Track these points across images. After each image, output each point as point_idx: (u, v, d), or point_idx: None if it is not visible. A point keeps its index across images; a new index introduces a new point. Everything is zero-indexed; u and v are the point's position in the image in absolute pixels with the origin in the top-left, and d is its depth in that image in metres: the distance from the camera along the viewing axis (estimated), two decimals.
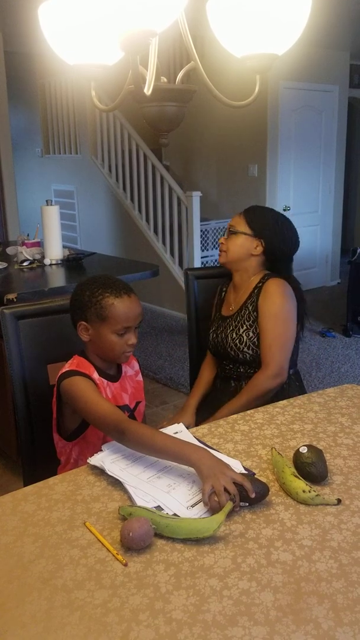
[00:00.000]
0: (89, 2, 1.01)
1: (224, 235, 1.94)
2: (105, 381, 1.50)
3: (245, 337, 1.85)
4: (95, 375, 1.48)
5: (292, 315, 1.83)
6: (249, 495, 1.13)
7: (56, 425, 1.52)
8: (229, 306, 1.96)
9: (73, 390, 1.40)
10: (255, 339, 1.83)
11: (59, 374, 1.45)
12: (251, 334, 1.84)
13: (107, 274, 1.56)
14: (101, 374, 1.50)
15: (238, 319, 1.88)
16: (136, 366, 1.64)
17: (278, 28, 1.11)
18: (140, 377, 1.64)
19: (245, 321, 1.86)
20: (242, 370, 1.90)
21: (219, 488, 1.12)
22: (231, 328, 1.89)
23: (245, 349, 1.85)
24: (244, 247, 1.87)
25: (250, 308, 1.86)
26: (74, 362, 1.48)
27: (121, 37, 0.97)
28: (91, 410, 1.36)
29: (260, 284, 1.86)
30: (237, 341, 1.86)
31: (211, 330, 1.98)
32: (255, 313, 1.84)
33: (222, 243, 1.92)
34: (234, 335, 1.87)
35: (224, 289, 2.03)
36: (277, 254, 1.89)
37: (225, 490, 1.15)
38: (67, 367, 1.47)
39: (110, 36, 1.04)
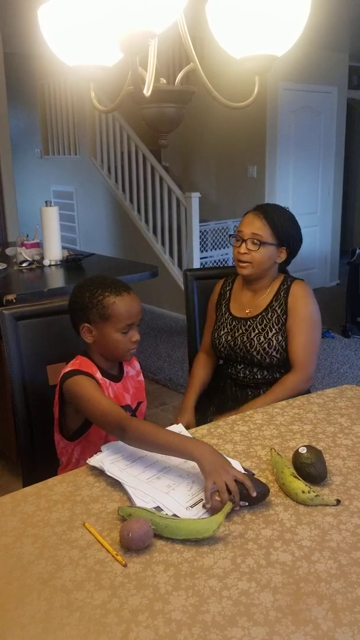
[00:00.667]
0: (88, 3, 1.01)
1: (234, 237, 1.84)
2: (107, 381, 1.50)
3: (274, 341, 1.80)
4: (98, 375, 1.48)
5: (320, 319, 1.85)
6: (250, 493, 1.13)
7: (58, 425, 1.52)
8: (244, 308, 1.89)
9: (76, 389, 1.40)
10: (283, 343, 1.80)
11: (62, 374, 1.45)
12: (280, 338, 1.80)
13: (103, 274, 1.55)
14: (104, 374, 1.50)
15: (264, 322, 1.83)
16: (137, 366, 1.64)
17: (277, 29, 1.11)
18: (141, 377, 1.64)
19: (274, 324, 1.81)
20: (259, 376, 1.86)
21: (220, 485, 1.13)
22: (257, 331, 1.83)
23: (274, 353, 1.81)
24: (271, 258, 1.81)
25: (279, 311, 1.82)
26: (77, 362, 1.48)
27: (120, 38, 0.98)
28: (93, 408, 1.36)
29: (284, 286, 1.84)
30: (266, 345, 1.80)
31: (222, 332, 1.89)
32: (285, 316, 1.81)
33: (245, 253, 1.79)
34: (262, 338, 1.81)
35: (228, 287, 1.96)
36: (291, 256, 1.89)
37: (226, 490, 1.15)
38: (69, 366, 1.47)
39: (109, 37, 1.04)
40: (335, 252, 6.42)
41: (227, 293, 1.95)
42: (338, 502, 1.18)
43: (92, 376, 1.44)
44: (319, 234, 6.20)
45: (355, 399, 1.70)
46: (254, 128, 5.46)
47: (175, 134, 1.44)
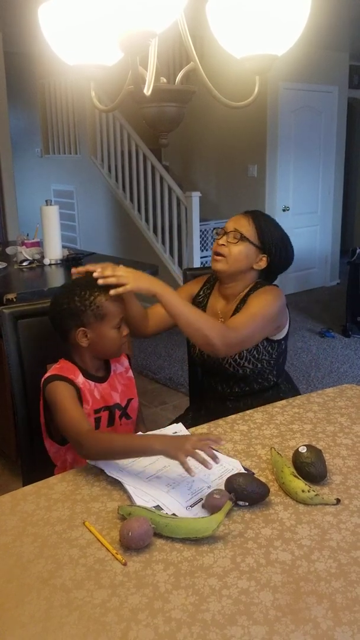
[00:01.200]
0: (88, 2, 1.01)
1: (218, 235, 1.73)
2: (92, 383, 1.49)
3: (244, 351, 1.70)
4: (80, 379, 1.46)
5: (276, 315, 1.67)
6: (217, 442, 1.16)
7: (46, 430, 1.50)
8: (217, 317, 1.77)
9: (51, 397, 1.40)
10: (254, 352, 1.72)
11: (44, 378, 1.45)
12: (250, 347, 1.70)
13: (75, 278, 1.53)
14: (87, 376, 1.49)
15: None
16: (125, 362, 1.62)
17: (278, 29, 1.11)
18: (130, 374, 1.62)
19: None
20: (237, 389, 1.77)
21: (190, 451, 1.14)
22: None
23: (246, 364, 1.72)
24: (249, 257, 1.69)
25: None
26: (58, 367, 1.47)
27: (121, 38, 0.98)
28: (62, 419, 1.36)
29: (251, 292, 1.72)
30: (237, 355, 1.71)
31: None
32: None
33: (222, 245, 1.69)
34: None
35: (208, 291, 1.84)
36: (274, 271, 1.77)
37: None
38: (50, 371, 1.46)
39: (110, 37, 1.04)
40: (335, 252, 6.42)
41: (205, 299, 1.84)
42: (338, 501, 1.18)
43: (72, 382, 1.43)
44: (319, 233, 6.19)
45: (355, 398, 1.70)
46: (255, 127, 5.46)
47: (176, 134, 1.42)
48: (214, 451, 1.18)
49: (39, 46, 5.16)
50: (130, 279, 1.43)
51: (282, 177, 5.67)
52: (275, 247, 1.71)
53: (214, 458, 1.16)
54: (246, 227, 1.70)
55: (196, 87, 1.26)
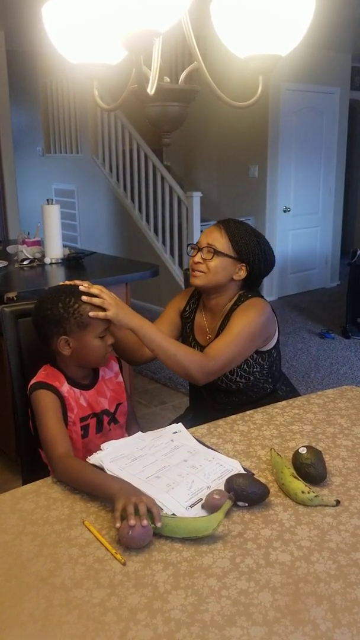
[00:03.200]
0: (92, 1, 1.01)
1: (194, 251, 1.70)
2: (77, 391, 1.46)
3: (235, 367, 1.68)
4: (65, 387, 1.44)
5: (260, 331, 1.65)
6: (156, 520, 1.06)
7: (35, 437, 1.47)
8: (205, 334, 1.76)
9: (35, 408, 1.40)
10: (244, 366, 1.69)
11: (30, 385, 1.44)
12: (236, 365, 1.68)
13: (57, 284, 1.50)
14: (73, 383, 1.46)
15: None
16: (115, 367, 1.59)
17: (282, 29, 1.11)
18: (120, 379, 1.59)
19: None
20: (235, 399, 1.76)
21: (131, 502, 1.07)
22: None
23: (238, 379, 1.70)
24: (226, 270, 1.65)
25: None
26: (44, 373, 1.45)
27: (125, 37, 0.98)
28: (42, 432, 1.36)
29: (235, 306, 1.68)
30: (228, 372, 1.69)
31: None
32: None
33: (198, 262, 1.65)
34: None
35: (194, 306, 1.81)
36: (256, 278, 1.73)
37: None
38: (36, 377, 1.44)
39: (113, 36, 1.04)
40: (336, 253, 6.42)
41: (192, 314, 1.81)
42: (337, 502, 1.18)
43: (56, 390, 1.41)
44: (319, 234, 6.19)
45: (355, 399, 1.70)
46: (256, 128, 5.46)
47: (177, 133, 1.41)
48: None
49: (42, 44, 5.15)
50: (112, 307, 1.43)
51: (283, 178, 5.67)
52: (252, 254, 1.67)
53: (155, 520, 1.06)
54: (219, 240, 1.66)
55: (199, 87, 1.26)
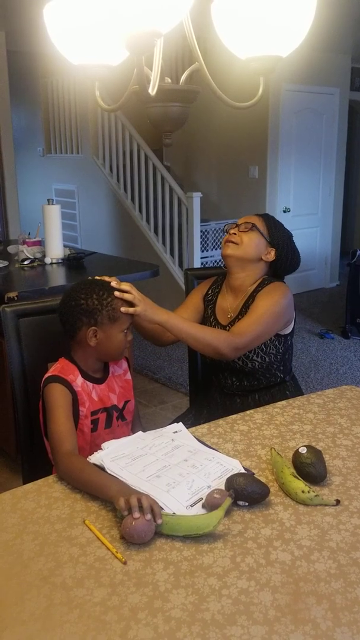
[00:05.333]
0: (94, 2, 1.02)
1: (230, 227, 1.81)
2: (90, 384, 1.50)
3: None
4: (79, 380, 1.47)
5: (284, 312, 1.73)
6: (156, 518, 1.07)
7: (44, 430, 1.50)
8: (226, 313, 1.83)
9: (47, 401, 1.42)
10: (262, 345, 1.75)
11: (44, 378, 1.46)
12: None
13: (89, 277, 1.54)
14: (86, 376, 1.50)
15: None
16: (124, 365, 1.62)
17: (282, 30, 1.11)
18: (128, 376, 1.63)
19: None
20: (246, 383, 1.81)
21: (131, 500, 1.08)
22: None
23: (254, 357, 1.76)
24: (259, 247, 1.77)
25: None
26: (59, 367, 1.48)
27: (126, 38, 0.98)
28: (51, 427, 1.38)
29: (260, 287, 1.77)
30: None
31: None
32: None
33: (234, 233, 1.77)
34: None
35: (217, 290, 1.90)
36: (281, 269, 1.83)
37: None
38: (51, 371, 1.47)
39: (115, 36, 1.04)
40: (335, 253, 6.43)
41: (214, 297, 1.89)
42: (337, 502, 1.18)
43: (69, 384, 1.44)
44: (319, 234, 6.20)
45: (355, 399, 1.70)
46: (256, 129, 5.46)
47: (178, 134, 1.41)
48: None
49: (42, 45, 5.15)
50: (141, 303, 1.52)
51: (283, 179, 5.67)
52: (283, 243, 1.80)
53: (156, 516, 1.08)
54: (258, 221, 1.80)
55: (200, 88, 1.26)
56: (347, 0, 3.96)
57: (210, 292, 1.92)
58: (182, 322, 1.63)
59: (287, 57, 1.20)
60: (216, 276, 1.95)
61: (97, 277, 1.55)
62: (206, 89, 1.26)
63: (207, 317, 1.89)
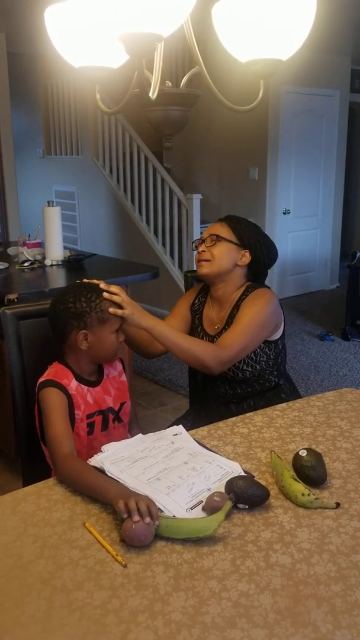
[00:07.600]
0: (95, 5, 1.02)
1: (197, 244, 1.78)
2: (85, 388, 1.50)
3: None
4: (73, 384, 1.47)
5: (269, 320, 1.70)
6: (153, 520, 1.07)
7: (41, 436, 1.50)
8: (213, 324, 1.80)
9: (43, 406, 1.42)
10: (252, 355, 1.74)
11: (38, 382, 1.46)
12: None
13: (77, 282, 1.55)
14: (81, 380, 1.50)
15: None
16: (119, 366, 1.62)
17: (282, 33, 1.12)
18: (124, 378, 1.62)
19: None
20: (239, 391, 1.80)
21: (130, 504, 1.08)
22: None
23: (244, 367, 1.74)
24: (230, 254, 1.72)
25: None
26: (53, 371, 1.48)
27: (127, 41, 0.98)
28: (46, 433, 1.38)
29: (244, 296, 1.74)
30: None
31: None
32: None
33: (203, 252, 1.73)
34: None
35: (203, 299, 1.86)
36: (261, 266, 1.80)
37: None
38: (45, 375, 1.47)
39: (116, 39, 1.05)
40: (335, 255, 6.43)
41: (201, 307, 1.86)
42: (337, 505, 1.18)
43: (64, 388, 1.44)
44: (319, 236, 6.20)
45: (355, 402, 1.70)
46: (256, 130, 5.47)
47: (178, 135, 1.41)
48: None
49: (42, 47, 5.16)
50: (129, 307, 1.51)
51: (283, 180, 5.68)
52: (253, 240, 1.76)
53: (153, 518, 1.07)
54: (220, 229, 1.76)
55: (201, 91, 1.26)
56: (347, 2, 3.97)
57: (197, 301, 1.88)
58: (170, 331, 1.60)
59: (287, 59, 1.20)
60: (203, 283, 1.90)
61: (85, 280, 1.55)
62: (207, 92, 1.26)
63: (195, 328, 1.85)
